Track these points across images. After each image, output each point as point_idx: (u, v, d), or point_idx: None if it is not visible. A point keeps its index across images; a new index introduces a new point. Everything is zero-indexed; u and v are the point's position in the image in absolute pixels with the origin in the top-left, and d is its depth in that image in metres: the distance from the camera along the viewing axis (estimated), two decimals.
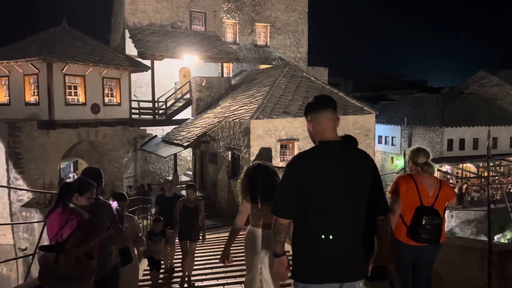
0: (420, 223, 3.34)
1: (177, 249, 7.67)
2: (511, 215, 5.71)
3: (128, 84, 18.53)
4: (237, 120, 15.82)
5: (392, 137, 34.37)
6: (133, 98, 19.88)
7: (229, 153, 16.71)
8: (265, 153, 15.32)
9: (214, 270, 7.51)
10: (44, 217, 3.41)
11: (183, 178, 19.81)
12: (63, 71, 16.02)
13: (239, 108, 16.83)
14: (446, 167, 29.84)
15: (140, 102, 19.95)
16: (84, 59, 16.53)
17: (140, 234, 4.90)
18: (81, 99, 16.88)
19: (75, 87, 16.66)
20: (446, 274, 4.59)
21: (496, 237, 24.41)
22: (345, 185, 2.19)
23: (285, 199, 2.26)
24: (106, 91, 17.74)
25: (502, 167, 31.31)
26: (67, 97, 16.43)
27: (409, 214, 3.46)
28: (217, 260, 7.59)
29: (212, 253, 8.89)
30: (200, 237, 6.88)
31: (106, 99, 17.80)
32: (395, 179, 3.61)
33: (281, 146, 15.74)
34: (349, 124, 16.81)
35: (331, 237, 2.14)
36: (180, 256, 7.11)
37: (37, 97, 16.18)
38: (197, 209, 6.63)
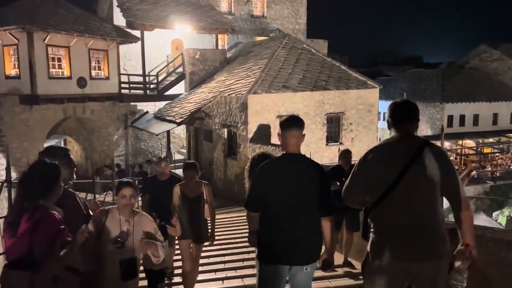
0: None
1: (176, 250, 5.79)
2: None
3: (116, 56, 17.36)
4: (233, 95, 14.84)
5: None
6: (122, 71, 18.73)
7: (225, 130, 15.80)
8: (264, 130, 14.43)
9: (211, 260, 6.68)
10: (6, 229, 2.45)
11: (177, 157, 18.91)
12: (45, 42, 14.82)
13: (236, 82, 15.82)
14: (446, 144, 29.20)
15: (130, 76, 18.81)
16: (67, 29, 15.30)
17: (155, 236, 3.19)
18: (66, 72, 15.75)
19: (59, 59, 15.50)
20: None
21: (494, 214, 24.08)
22: (296, 190, 2.77)
23: (253, 197, 2.90)
24: (93, 63, 16.58)
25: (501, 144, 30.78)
26: (51, 70, 15.28)
27: None
28: (214, 249, 6.83)
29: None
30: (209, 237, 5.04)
31: (93, 73, 16.67)
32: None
33: None
34: (351, 99, 15.92)
35: (282, 229, 2.72)
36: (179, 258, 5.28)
37: (18, 70, 15.02)
38: (200, 198, 4.67)
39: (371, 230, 2.48)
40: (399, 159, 2.34)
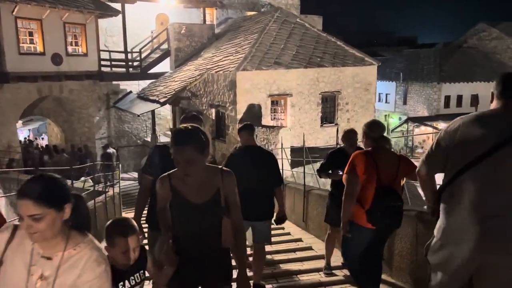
0: (380, 206, 3.14)
1: None
2: None
3: (95, 31, 16.06)
4: (221, 72, 13.72)
5: (387, 94, 32.65)
6: (103, 48, 17.47)
7: (213, 110, 14.74)
8: (254, 110, 13.39)
9: None
10: None
11: (163, 139, 17.82)
12: (14, 13, 13.48)
13: (224, 59, 14.68)
14: (442, 125, 28.42)
15: (112, 53, 17.51)
16: None
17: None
18: (39, 48, 14.48)
19: (31, 34, 14.21)
20: None
21: None
22: (256, 170, 3.86)
23: None
24: (69, 39, 15.29)
25: None
26: (21, 45, 14.00)
27: (367, 196, 3.19)
28: None
29: None
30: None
31: (70, 49, 15.39)
32: (351, 158, 3.30)
33: (272, 102, 13.80)
34: (347, 77, 14.89)
35: (249, 197, 3.30)
36: None
37: None
38: (213, 205, 2.32)
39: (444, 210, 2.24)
40: (496, 132, 2.08)
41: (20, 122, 21.10)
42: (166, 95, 14.45)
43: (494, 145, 2.04)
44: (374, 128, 3.41)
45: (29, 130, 26.07)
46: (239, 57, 13.66)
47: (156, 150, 3.37)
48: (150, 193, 3.21)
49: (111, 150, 14.05)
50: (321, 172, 4.54)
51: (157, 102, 14.42)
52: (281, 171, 4.79)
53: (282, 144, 10.33)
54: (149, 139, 17.89)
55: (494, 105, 2.24)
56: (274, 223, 4.13)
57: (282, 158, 9.84)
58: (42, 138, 24.63)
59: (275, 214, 4.11)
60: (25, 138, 21.96)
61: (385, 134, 3.48)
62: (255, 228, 3.98)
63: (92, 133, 17.53)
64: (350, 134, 4.41)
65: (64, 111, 17.61)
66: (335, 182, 4.40)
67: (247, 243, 3.32)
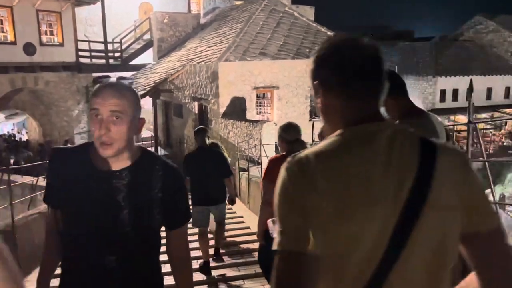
0: None
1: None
2: None
3: (72, 19, 15.19)
4: (203, 63, 12.92)
5: None
6: (84, 38, 16.61)
7: (196, 103, 13.95)
8: (238, 103, 12.62)
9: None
10: None
11: (146, 134, 17.02)
12: None
13: (207, 49, 13.87)
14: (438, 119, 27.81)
15: (91, 44, 16.65)
16: None
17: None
18: (10, 37, 13.63)
19: (0, 22, 13.34)
20: None
21: (487, 191, 23.00)
22: (207, 165, 4.60)
23: (186, 170, 4.66)
24: (43, 27, 14.44)
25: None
26: None
27: None
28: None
29: None
30: None
31: (44, 38, 14.54)
32: (268, 162, 3.31)
33: (258, 96, 13.01)
34: None
35: (203, 186, 4.59)
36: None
37: None
38: None
39: None
40: None
41: (1, 115, 20.26)
42: (146, 87, 13.66)
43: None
44: (289, 131, 3.21)
45: (13, 124, 25.20)
46: (222, 47, 12.87)
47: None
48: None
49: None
50: None
51: None
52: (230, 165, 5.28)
53: (260, 141, 9.58)
54: None
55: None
56: (229, 204, 5.07)
57: (261, 156, 9.12)
58: (26, 133, 23.81)
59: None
60: (8, 132, 21.20)
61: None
62: (212, 211, 4.77)
63: (71, 127, 16.70)
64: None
65: (41, 104, 16.75)
66: None
67: (209, 228, 4.80)
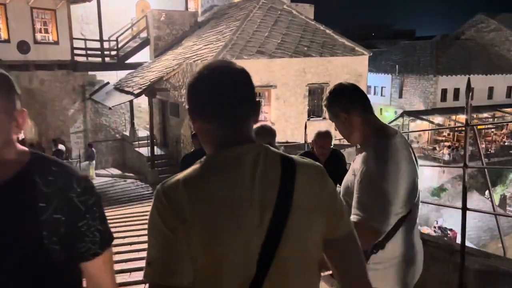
0: None
1: None
2: None
3: (67, 17, 14.99)
4: (198, 61, 12.69)
5: (382, 87, 31.70)
6: (80, 36, 16.39)
7: None
8: None
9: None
10: None
11: (143, 133, 16.79)
12: None
13: (203, 47, 13.64)
14: (438, 119, 27.57)
15: (87, 42, 16.42)
16: None
17: None
18: (3, 35, 13.45)
19: None
20: None
21: (487, 193, 22.85)
22: None
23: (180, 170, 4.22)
24: (37, 25, 14.24)
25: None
26: None
27: None
28: None
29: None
30: None
31: (39, 36, 14.33)
32: None
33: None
34: (337, 68, 13.88)
35: None
36: None
37: None
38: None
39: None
40: None
41: None
42: (141, 86, 13.43)
43: None
44: (260, 135, 2.91)
45: None
46: (219, 45, 12.64)
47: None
48: None
49: (62, 146, 13.22)
50: None
51: (131, 93, 13.39)
52: None
53: None
54: (128, 133, 16.87)
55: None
56: None
57: None
58: (22, 132, 23.66)
59: None
60: None
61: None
62: None
63: (67, 127, 16.50)
64: (323, 136, 3.50)
65: (36, 103, 16.52)
66: None
67: None
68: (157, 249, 0.95)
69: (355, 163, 1.71)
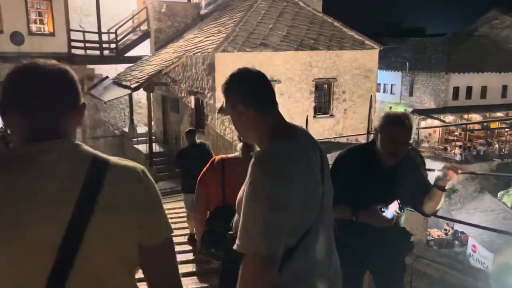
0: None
1: None
2: None
3: (64, 7, 14.40)
4: (199, 54, 12.03)
5: (392, 85, 30.85)
6: (78, 29, 15.79)
7: (192, 98, 13.08)
8: None
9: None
10: None
11: (141, 130, 16.18)
12: None
13: (204, 40, 12.97)
14: (450, 118, 26.72)
15: (86, 34, 15.80)
16: None
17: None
18: None
19: None
20: None
21: (499, 194, 22.09)
22: (195, 158, 5.37)
23: (175, 162, 6.15)
24: (32, 16, 13.67)
25: None
26: None
27: None
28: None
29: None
30: None
31: (34, 27, 13.76)
32: None
33: None
34: (345, 62, 13.14)
35: (190, 175, 4.70)
36: None
37: None
38: None
39: None
40: None
41: None
42: (139, 80, 12.80)
43: None
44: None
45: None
46: (220, 37, 11.96)
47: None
48: None
49: None
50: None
51: (129, 87, 12.76)
52: None
53: None
54: (127, 129, 16.28)
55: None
56: None
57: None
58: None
59: None
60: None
61: None
62: None
63: None
64: (397, 127, 2.10)
65: None
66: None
67: None
68: None
69: None
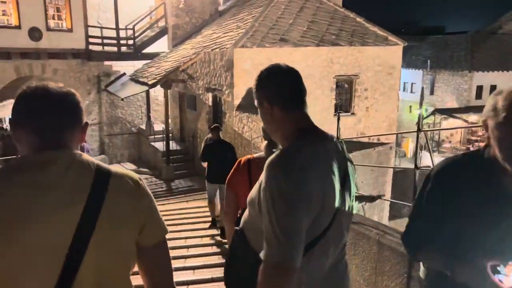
0: None
1: None
2: None
3: (82, 3, 14.29)
4: (217, 50, 11.75)
5: (412, 83, 30.12)
6: (96, 25, 15.69)
7: (210, 95, 12.82)
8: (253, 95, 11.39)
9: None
10: None
11: (158, 128, 16.00)
12: None
13: (223, 35, 12.69)
14: (473, 118, 25.89)
15: (103, 30, 15.70)
16: None
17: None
18: (14, 21, 12.81)
19: (3, 3, 12.53)
20: None
21: None
22: (220, 152, 6.39)
23: (201, 156, 6.91)
24: (50, 11, 13.57)
25: None
26: None
27: None
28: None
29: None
30: None
31: (52, 23, 13.67)
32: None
33: None
34: (367, 59, 12.69)
35: (216, 169, 5.99)
36: None
37: None
38: None
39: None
40: None
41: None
42: (156, 76, 12.59)
43: None
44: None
45: None
46: (239, 33, 11.66)
47: None
48: None
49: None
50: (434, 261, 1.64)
51: (146, 84, 12.57)
52: None
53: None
54: (144, 126, 16.13)
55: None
56: None
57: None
58: None
59: None
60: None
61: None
62: (222, 188, 5.45)
63: None
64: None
65: None
66: None
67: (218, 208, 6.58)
68: None
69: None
